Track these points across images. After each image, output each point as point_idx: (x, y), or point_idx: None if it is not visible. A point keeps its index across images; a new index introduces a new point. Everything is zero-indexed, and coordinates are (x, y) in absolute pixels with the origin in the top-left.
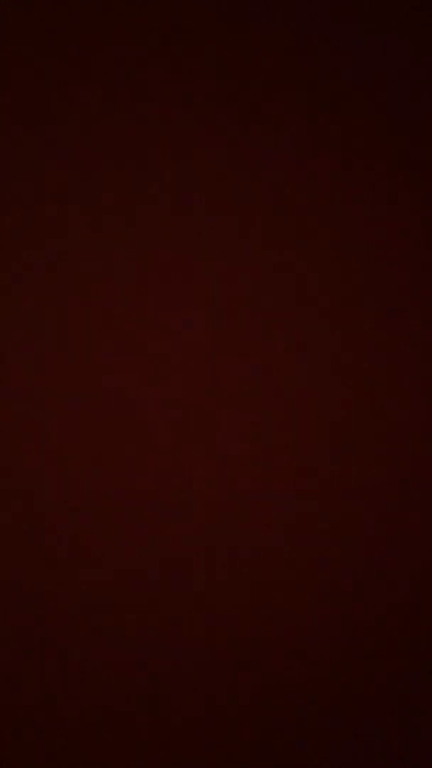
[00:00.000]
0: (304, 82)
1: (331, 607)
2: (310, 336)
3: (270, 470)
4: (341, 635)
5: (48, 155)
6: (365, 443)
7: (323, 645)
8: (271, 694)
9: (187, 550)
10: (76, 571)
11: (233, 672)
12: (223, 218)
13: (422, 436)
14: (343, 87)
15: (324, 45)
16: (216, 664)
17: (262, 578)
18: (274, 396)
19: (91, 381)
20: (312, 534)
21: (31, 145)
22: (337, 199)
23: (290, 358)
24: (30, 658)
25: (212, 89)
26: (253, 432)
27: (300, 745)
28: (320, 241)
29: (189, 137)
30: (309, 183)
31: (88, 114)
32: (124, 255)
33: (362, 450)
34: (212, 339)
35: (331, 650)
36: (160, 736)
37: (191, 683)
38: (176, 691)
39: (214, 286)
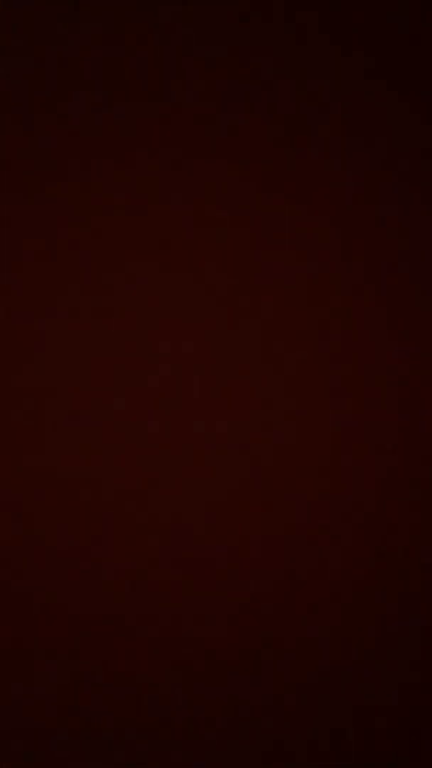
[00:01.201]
0: (305, 89)
1: (335, 612)
2: (310, 340)
3: (270, 472)
4: (342, 634)
5: (47, 157)
6: (366, 445)
7: (323, 647)
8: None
9: (188, 550)
10: (75, 571)
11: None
12: (224, 220)
13: (424, 436)
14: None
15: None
16: (216, 662)
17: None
18: (273, 397)
19: (91, 380)
20: (312, 535)
21: (32, 148)
22: (339, 204)
23: (289, 362)
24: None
25: (214, 92)
26: (253, 438)
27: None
28: (321, 242)
29: (190, 139)
30: (311, 186)
31: (87, 120)
32: (125, 254)
33: (363, 452)
34: (212, 338)
35: (330, 652)
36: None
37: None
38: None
39: (215, 285)
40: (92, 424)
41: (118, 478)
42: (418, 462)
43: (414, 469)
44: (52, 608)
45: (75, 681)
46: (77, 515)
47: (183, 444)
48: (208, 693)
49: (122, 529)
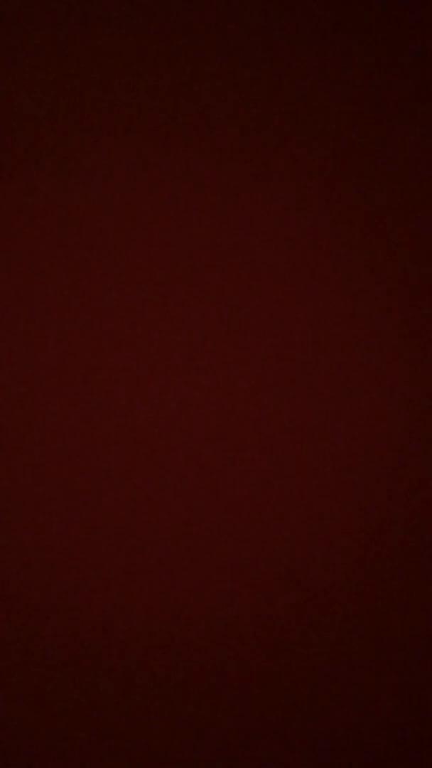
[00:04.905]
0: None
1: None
2: (310, 342)
3: (272, 472)
4: (344, 637)
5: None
6: (368, 450)
7: (323, 650)
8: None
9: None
10: (75, 573)
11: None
12: (225, 221)
13: (424, 437)
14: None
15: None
16: (219, 665)
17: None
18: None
19: (90, 379)
20: (312, 537)
21: (33, 150)
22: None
23: (290, 363)
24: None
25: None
26: (254, 443)
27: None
28: (323, 244)
29: (191, 134)
30: (313, 187)
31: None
32: (125, 257)
33: (365, 456)
34: (212, 342)
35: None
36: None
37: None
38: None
39: (215, 289)
40: (90, 428)
41: (116, 484)
42: (420, 458)
43: (416, 466)
44: (50, 609)
45: (74, 683)
46: (75, 510)
47: (182, 448)
48: (209, 697)
49: (120, 534)
